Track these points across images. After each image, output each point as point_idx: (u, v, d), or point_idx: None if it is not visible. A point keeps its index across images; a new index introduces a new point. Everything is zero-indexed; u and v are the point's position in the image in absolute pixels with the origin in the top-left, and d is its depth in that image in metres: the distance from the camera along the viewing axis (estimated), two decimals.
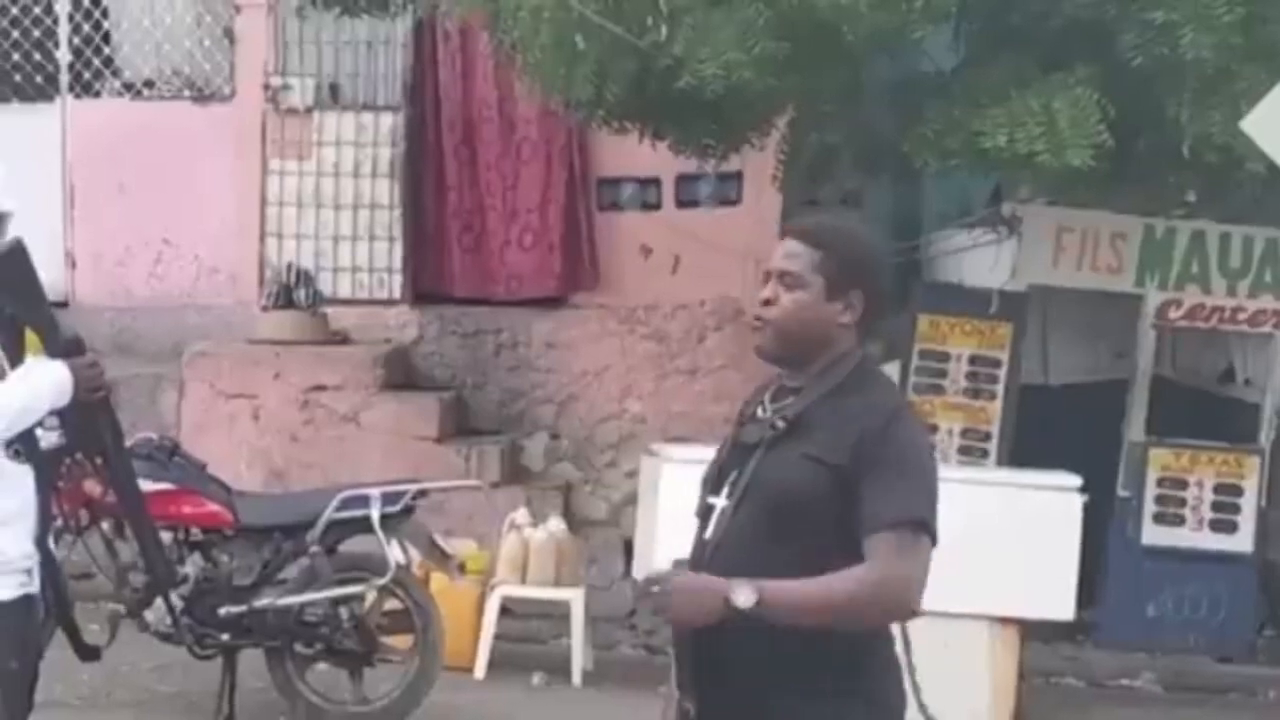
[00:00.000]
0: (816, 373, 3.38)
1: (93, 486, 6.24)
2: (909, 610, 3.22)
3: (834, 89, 7.78)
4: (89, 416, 4.34)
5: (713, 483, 3.46)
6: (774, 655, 3.29)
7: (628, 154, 9.54)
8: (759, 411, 3.44)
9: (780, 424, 3.35)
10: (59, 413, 4.22)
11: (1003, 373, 9.65)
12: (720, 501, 3.41)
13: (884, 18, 6.88)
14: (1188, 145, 7.35)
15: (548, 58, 7.30)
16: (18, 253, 4.02)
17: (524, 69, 7.75)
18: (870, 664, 3.35)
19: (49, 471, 4.22)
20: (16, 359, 4.17)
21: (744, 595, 3.12)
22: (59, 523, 5.19)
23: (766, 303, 3.40)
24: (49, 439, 4.25)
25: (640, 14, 7.10)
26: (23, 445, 4.10)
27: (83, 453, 4.42)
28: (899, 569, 3.17)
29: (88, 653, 4.49)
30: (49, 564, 4.22)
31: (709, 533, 3.42)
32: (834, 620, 3.17)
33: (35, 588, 4.16)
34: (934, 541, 3.23)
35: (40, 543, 4.15)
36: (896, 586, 3.17)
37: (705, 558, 3.39)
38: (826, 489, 3.26)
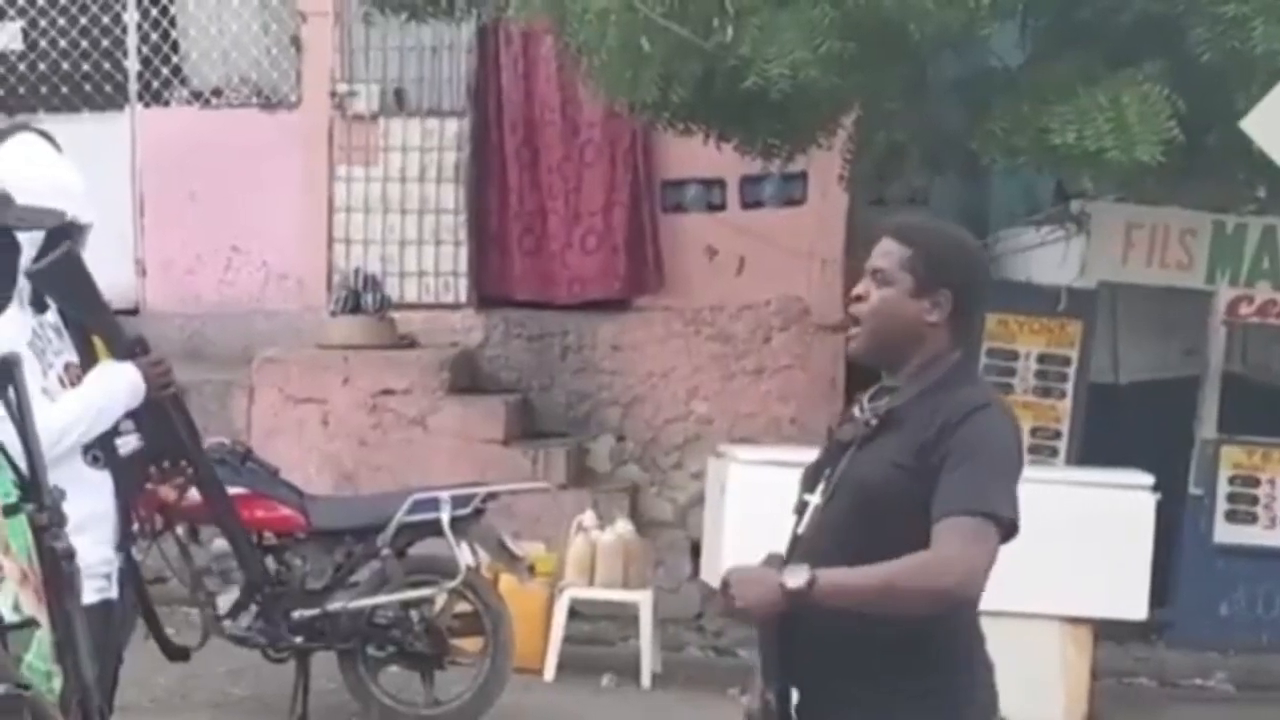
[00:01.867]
0: (911, 372, 3.40)
1: (168, 492, 6.28)
2: (962, 596, 3.21)
3: (900, 87, 7.75)
4: (162, 415, 4.37)
5: (810, 479, 3.49)
6: (857, 649, 3.32)
7: (692, 155, 9.54)
8: (856, 411, 3.47)
9: (872, 422, 3.37)
10: (133, 415, 4.25)
11: (1072, 371, 9.56)
12: (814, 499, 3.45)
13: (951, 15, 6.84)
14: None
15: (614, 60, 7.30)
16: (70, 258, 4.04)
17: (589, 72, 7.75)
18: (957, 662, 3.36)
19: (128, 476, 4.26)
20: (88, 365, 4.21)
21: (795, 577, 3.15)
22: (135, 527, 5.23)
23: (858, 299, 3.43)
24: (128, 443, 4.28)
25: (706, 15, 7.08)
26: (101, 450, 4.15)
27: (162, 454, 4.44)
28: (955, 554, 3.16)
29: (176, 653, 4.52)
30: (131, 568, 4.26)
31: (801, 529, 3.45)
32: (885, 602, 3.18)
33: (114, 593, 4.20)
34: (1011, 533, 3.23)
35: (121, 547, 4.20)
36: (948, 570, 3.16)
37: (796, 554, 3.42)
38: (907, 488, 3.28)
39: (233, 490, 6.69)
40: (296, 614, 6.93)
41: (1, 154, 4.23)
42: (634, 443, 10.10)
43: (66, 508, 3.57)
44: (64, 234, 4.07)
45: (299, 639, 6.95)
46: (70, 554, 2.80)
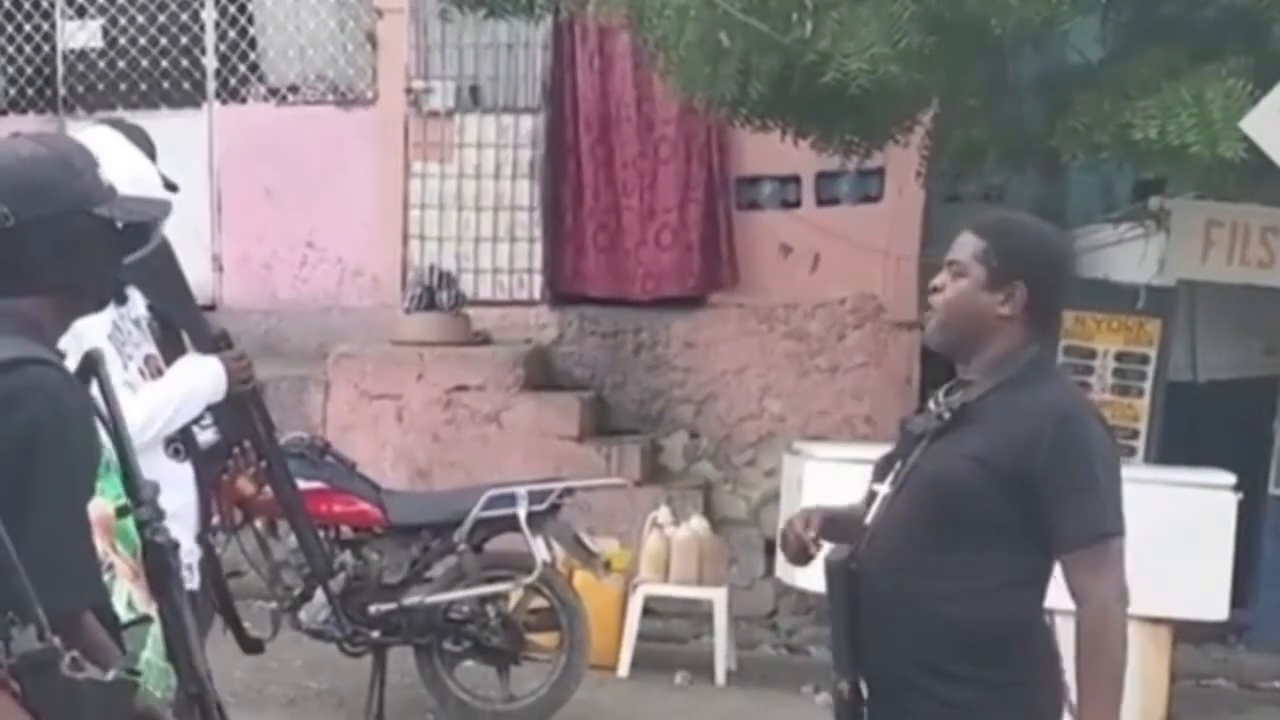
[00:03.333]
0: (986, 366, 3.40)
1: (246, 485, 6.28)
2: (1126, 614, 3.30)
3: (980, 83, 7.69)
4: (241, 409, 4.40)
5: (881, 471, 3.49)
6: (929, 641, 3.33)
7: (767, 152, 9.51)
8: (931, 404, 3.46)
9: (946, 415, 3.36)
10: (212, 409, 4.28)
11: (1150, 369, 9.48)
12: (884, 489, 3.45)
13: (1032, 9, 6.77)
14: None
15: (692, 56, 7.28)
16: (163, 249, 4.07)
17: (667, 68, 7.74)
18: (1025, 653, 3.37)
19: (208, 468, 4.29)
20: (169, 357, 4.24)
21: None
22: (214, 520, 5.26)
23: (935, 290, 3.42)
24: (205, 436, 4.31)
25: (785, 10, 7.04)
26: (183, 443, 4.17)
27: (237, 444, 4.47)
28: (1107, 594, 3.27)
29: (251, 645, 4.56)
30: (210, 559, 4.28)
31: (869, 519, 3.44)
32: (1119, 669, 3.29)
33: (195, 584, 4.22)
34: (1122, 533, 3.30)
35: (201, 539, 4.22)
36: (1111, 614, 3.27)
37: (864, 544, 3.42)
38: (988, 488, 3.29)
39: (311, 484, 6.80)
40: (373, 608, 6.95)
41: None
42: (707, 440, 10.07)
43: None
44: (143, 232, 4.10)
45: (375, 633, 6.97)
46: (175, 546, 2.81)
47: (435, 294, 9.92)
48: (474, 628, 7.07)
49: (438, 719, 7.22)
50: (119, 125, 4.85)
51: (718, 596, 8.28)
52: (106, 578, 2.94)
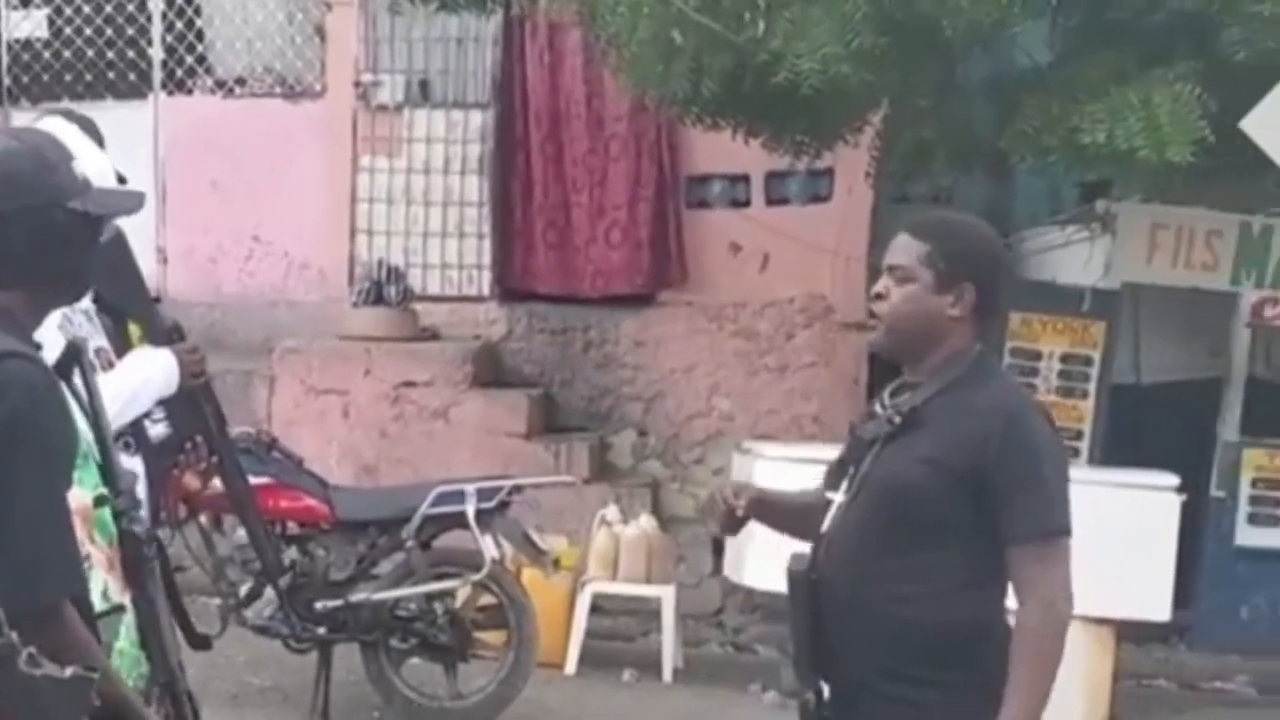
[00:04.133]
0: (933, 368, 3.40)
1: (191, 480, 6.25)
2: (1070, 613, 3.30)
3: (930, 84, 7.73)
4: (193, 403, 4.37)
5: (834, 478, 3.49)
6: (889, 644, 3.33)
7: (717, 151, 9.53)
8: (878, 408, 3.45)
9: (895, 419, 3.37)
10: (163, 402, 4.25)
11: (1095, 371, 9.54)
12: (838, 497, 3.44)
13: (983, 11, 6.81)
14: None
15: (645, 53, 7.28)
16: (119, 241, 4.04)
17: (619, 65, 7.74)
18: (987, 653, 3.37)
19: (158, 462, 4.25)
20: (122, 349, 4.21)
21: None
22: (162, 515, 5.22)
23: (878, 297, 3.42)
24: (156, 430, 4.28)
25: (738, 9, 7.05)
26: (133, 436, 4.14)
27: (188, 441, 4.44)
28: (1052, 589, 3.27)
29: (199, 642, 4.49)
30: (161, 555, 4.23)
31: (825, 527, 3.44)
32: (1054, 666, 3.29)
33: None
34: (1069, 531, 3.31)
35: (151, 533, 4.17)
36: (1055, 610, 3.27)
37: (821, 552, 3.42)
38: (942, 489, 3.29)
39: (257, 480, 6.74)
40: (319, 605, 6.90)
41: None
42: (656, 438, 10.07)
43: None
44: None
45: (321, 630, 6.92)
46: (153, 537, 2.82)
47: (383, 289, 9.89)
48: (421, 625, 7.04)
49: (384, 717, 7.19)
50: (69, 116, 4.81)
51: (666, 595, 8.28)
52: (84, 567, 2.94)
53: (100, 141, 4.86)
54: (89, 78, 10.87)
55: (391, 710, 7.13)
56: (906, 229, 3.45)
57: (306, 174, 10.48)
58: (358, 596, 6.93)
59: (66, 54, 10.88)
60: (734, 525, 3.69)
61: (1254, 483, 9.66)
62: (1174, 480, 7.90)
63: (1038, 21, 7.74)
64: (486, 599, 7.15)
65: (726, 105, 7.86)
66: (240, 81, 10.78)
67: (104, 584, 2.89)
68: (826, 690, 3.45)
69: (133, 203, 2.98)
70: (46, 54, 10.91)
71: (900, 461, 3.35)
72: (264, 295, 10.60)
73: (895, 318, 3.39)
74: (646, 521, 8.47)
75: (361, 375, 9.62)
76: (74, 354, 2.85)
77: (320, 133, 10.50)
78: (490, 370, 9.96)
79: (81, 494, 2.83)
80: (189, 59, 10.79)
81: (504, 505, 7.09)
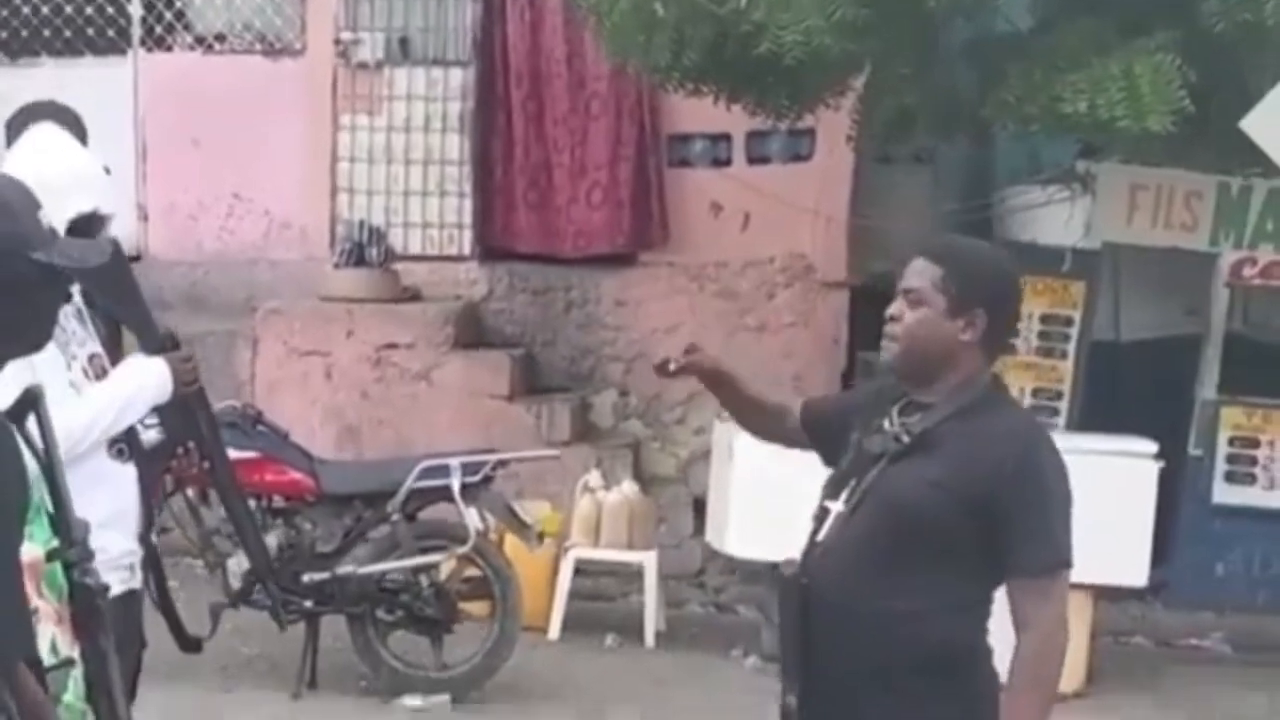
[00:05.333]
0: (944, 392, 3.44)
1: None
2: (1066, 642, 3.40)
3: (912, 53, 7.72)
4: (186, 410, 4.40)
5: (834, 487, 3.53)
6: (875, 656, 3.38)
7: (698, 110, 9.44)
8: (886, 423, 3.49)
9: (905, 439, 3.41)
10: (157, 408, 4.28)
11: (1075, 331, 9.60)
12: (837, 506, 3.49)
13: None
14: None
15: (626, 23, 7.29)
16: (116, 256, 4.04)
17: (601, 34, 7.73)
18: (971, 671, 3.43)
19: (151, 468, 4.28)
20: (116, 358, 4.23)
21: None
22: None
23: (892, 319, 3.45)
24: (149, 436, 4.31)
25: None
26: (126, 444, 4.16)
27: (181, 444, 4.48)
28: (1050, 622, 3.35)
29: (190, 644, 4.56)
30: (152, 559, 4.29)
31: (821, 535, 3.50)
32: (1052, 692, 3.39)
33: (137, 583, 4.23)
34: (1071, 563, 3.40)
35: (143, 539, 4.22)
36: (1054, 642, 3.36)
37: (815, 559, 3.47)
38: (948, 513, 3.34)
39: (243, 454, 6.80)
40: (306, 577, 6.97)
41: (23, 146, 4.24)
42: (637, 398, 10.11)
43: (93, 501, 3.62)
44: (89, 226, 4.09)
45: (308, 602, 7.00)
46: (105, 589, 2.81)
47: (364, 250, 9.86)
48: (407, 597, 7.11)
49: (371, 685, 7.26)
50: (52, 110, 4.79)
51: (648, 560, 8.35)
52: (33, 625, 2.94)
53: (83, 133, 4.85)
54: (68, 34, 10.78)
55: (378, 681, 7.20)
56: (921, 253, 3.49)
57: (286, 132, 10.42)
58: (344, 569, 7.00)
59: (45, 10, 10.78)
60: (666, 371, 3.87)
61: (1231, 441, 9.73)
62: (1152, 447, 7.97)
63: None
64: (471, 571, 7.22)
65: (708, 73, 7.86)
66: (220, 38, 10.72)
67: (52, 637, 2.90)
68: (812, 696, 3.50)
69: (98, 254, 2.96)
70: (26, 9, 10.81)
71: (907, 482, 3.40)
72: (245, 253, 10.57)
73: (908, 340, 3.44)
74: (629, 487, 8.53)
75: (344, 337, 9.63)
76: (30, 400, 2.81)
77: (300, 91, 10.45)
78: (472, 331, 9.97)
79: (33, 549, 2.82)
80: (168, 15, 10.71)
81: (488, 479, 7.14)
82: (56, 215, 3.89)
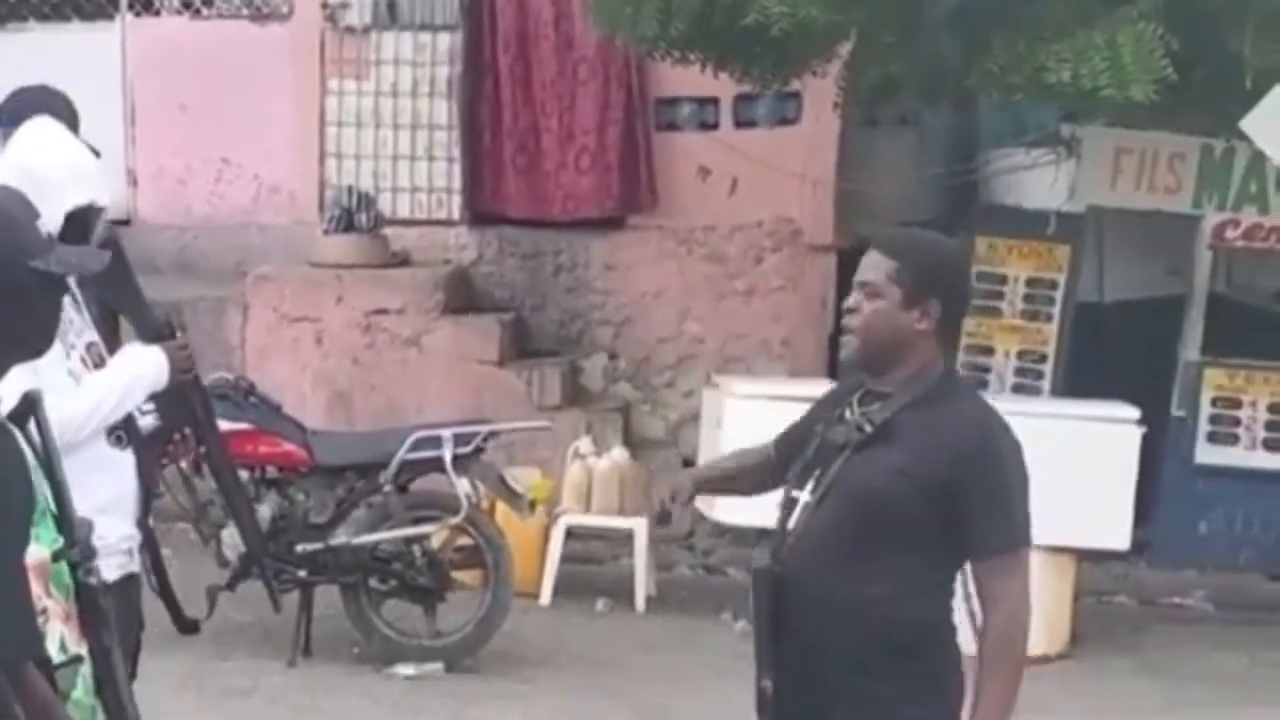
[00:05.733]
0: (902, 380, 3.55)
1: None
2: (1029, 620, 3.51)
3: (897, 21, 7.78)
4: (181, 396, 4.48)
5: (800, 478, 3.64)
6: (847, 639, 3.51)
7: (686, 74, 9.46)
8: (846, 413, 3.59)
9: (867, 428, 3.52)
10: (153, 396, 4.35)
11: (1059, 294, 9.69)
12: (804, 496, 3.60)
13: None
14: (1250, 78, 7.34)
15: None
16: (110, 240, 4.11)
17: (590, 5, 7.77)
18: (938, 650, 3.59)
19: (148, 453, 4.35)
20: (114, 346, 4.30)
21: None
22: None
23: (850, 311, 3.56)
24: (145, 421, 4.38)
25: None
26: (124, 431, 4.23)
27: (177, 430, 4.56)
28: (1015, 599, 3.47)
29: (187, 626, 4.63)
30: (150, 543, 4.36)
31: (791, 523, 3.60)
32: (1020, 665, 3.51)
33: (136, 567, 4.31)
34: (1031, 541, 3.52)
35: (141, 523, 4.30)
36: (1018, 618, 3.49)
37: (785, 547, 3.58)
38: (912, 500, 3.47)
39: (236, 425, 6.88)
40: (300, 548, 7.07)
41: (20, 140, 4.29)
42: (626, 361, 10.19)
43: (92, 487, 3.70)
44: (85, 219, 4.15)
45: (302, 572, 7.09)
46: (106, 587, 2.90)
47: (354, 216, 9.90)
48: (400, 567, 7.20)
49: (364, 653, 7.36)
50: (45, 99, 4.84)
51: (638, 526, 8.43)
52: (40, 621, 3.02)
53: (75, 118, 4.90)
54: None
55: (372, 647, 7.30)
56: (876, 246, 3.60)
57: (275, 96, 10.46)
58: (337, 539, 7.10)
59: None
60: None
61: (1214, 401, 9.81)
62: (1134, 413, 8.07)
63: None
64: (463, 540, 7.31)
65: (695, 42, 7.92)
66: (207, 3, 10.73)
67: (60, 636, 2.98)
68: (786, 681, 3.61)
69: (96, 261, 3.03)
70: None
71: (872, 470, 3.51)
72: (234, 218, 10.62)
73: (866, 331, 3.55)
74: (619, 454, 8.62)
75: (334, 303, 9.68)
76: (30, 404, 2.88)
77: (288, 55, 10.47)
78: (461, 295, 10.02)
79: (39, 550, 2.90)
80: None
81: (479, 450, 7.22)
82: (54, 208, 4.00)
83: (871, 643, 3.51)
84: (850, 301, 3.59)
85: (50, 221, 4.08)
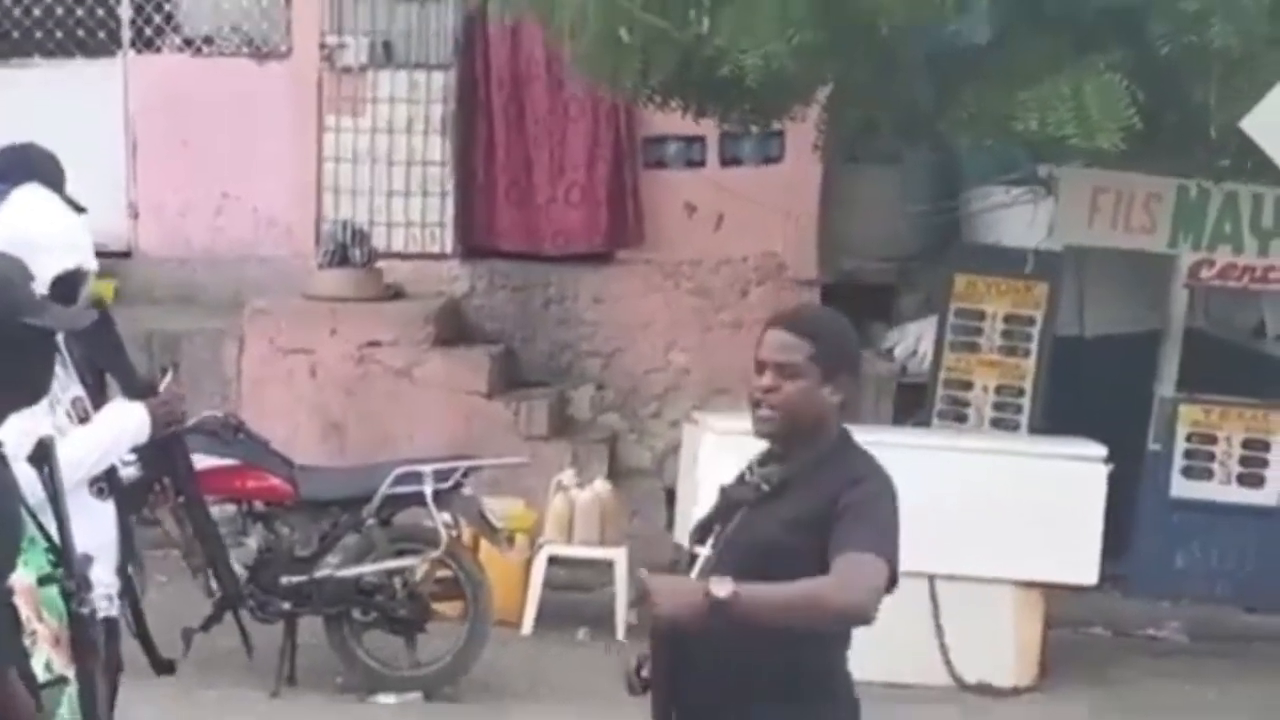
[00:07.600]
0: (800, 443, 3.75)
1: None
2: (863, 614, 3.54)
3: (870, 70, 7.98)
4: (163, 448, 4.71)
5: (700, 534, 3.87)
6: (746, 685, 3.71)
7: (672, 115, 9.73)
8: (746, 474, 3.82)
9: (764, 488, 3.73)
10: (136, 448, 4.59)
11: (1037, 330, 9.85)
12: (705, 551, 3.82)
13: (917, 11, 7.10)
14: (1215, 128, 7.53)
15: (595, 49, 7.55)
16: (103, 320, 4.35)
17: (572, 59, 8.01)
18: (829, 696, 3.77)
19: (129, 503, 4.59)
20: (100, 402, 4.53)
21: (721, 587, 3.42)
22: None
23: (769, 390, 3.75)
24: (127, 472, 4.62)
25: (683, 6, 7.34)
26: (106, 482, 4.47)
27: (158, 480, 4.80)
28: (858, 577, 3.52)
29: (163, 667, 4.83)
30: (129, 589, 4.59)
31: (692, 577, 3.81)
32: (799, 617, 3.52)
33: (115, 612, 4.53)
34: (891, 587, 3.57)
35: (121, 570, 4.52)
36: (854, 590, 3.51)
37: None
38: (803, 546, 3.63)
39: (224, 461, 7.13)
40: (284, 580, 7.29)
41: (13, 206, 4.52)
42: (614, 392, 10.42)
43: (76, 536, 3.92)
44: (73, 281, 4.39)
45: (287, 604, 7.31)
46: (97, 618, 3.16)
47: (348, 250, 10.13)
48: (382, 598, 7.42)
49: (346, 682, 7.57)
50: (35, 160, 5.05)
51: (618, 556, 8.64)
52: (28, 643, 3.28)
53: (61, 176, 5.10)
54: (59, 35, 11.04)
55: (354, 677, 7.52)
56: (784, 328, 3.81)
57: (273, 133, 10.70)
58: (321, 572, 7.32)
59: (37, 11, 11.04)
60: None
61: (1189, 437, 9.98)
62: (1101, 450, 8.25)
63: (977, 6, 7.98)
64: (444, 572, 7.52)
65: (675, 91, 8.15)
66: (208, 41, 10.98)
67: (47, 657, 3.23)
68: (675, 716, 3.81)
69: (85, 319, 3.31)
70: (16, 11, 11.07)
71: (767, 525, 3.71)
72: (234, 251, 10.85)
73: (790, 411, 3.73)
74: (600, 485, 8.82)
75: (328, 335, 9.90)
76: (44, 452, 3.17)
77: (287, 93, 10.71)
78: (452, 327, 10.25)
79: (25, 575, 3.18)
80: (157, 18, 10.97)
81: (459, 484, 7.45)
82: (44, 272, 4.24)
83: (765, 688, 3.69)
84: (767, 381, 3.75)
85: (40, 283, 4.35)
